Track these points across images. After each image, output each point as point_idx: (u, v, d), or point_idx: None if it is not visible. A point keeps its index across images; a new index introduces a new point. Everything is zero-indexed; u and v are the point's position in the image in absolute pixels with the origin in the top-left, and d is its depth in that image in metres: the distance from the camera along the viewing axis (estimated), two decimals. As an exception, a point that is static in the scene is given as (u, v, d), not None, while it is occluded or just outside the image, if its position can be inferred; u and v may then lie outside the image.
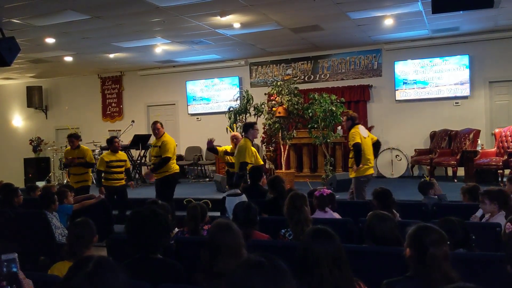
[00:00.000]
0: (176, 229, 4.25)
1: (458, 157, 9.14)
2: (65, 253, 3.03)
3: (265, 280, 1.40)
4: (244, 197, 5.12)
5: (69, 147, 7.56)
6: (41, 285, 2.06)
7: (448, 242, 2.24)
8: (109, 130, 12.28)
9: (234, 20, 8.34)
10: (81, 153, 7.29)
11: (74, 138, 7.36)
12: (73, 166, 7.28)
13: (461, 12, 7.58)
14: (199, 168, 12.31)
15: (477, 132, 9.41)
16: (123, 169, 7.36)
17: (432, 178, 5.96)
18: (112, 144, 7.34)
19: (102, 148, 11.83)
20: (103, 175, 7.20)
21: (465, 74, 10.28)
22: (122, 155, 7.44)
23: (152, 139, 7.47)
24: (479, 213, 4.23)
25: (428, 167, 9.88)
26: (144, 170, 8.47)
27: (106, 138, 11.96)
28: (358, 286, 2.12)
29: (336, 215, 4.57)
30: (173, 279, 2.58)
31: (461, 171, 9.20)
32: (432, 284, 2.07)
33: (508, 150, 8.69)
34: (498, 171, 8.81)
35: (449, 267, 2.11)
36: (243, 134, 6.69)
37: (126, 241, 2.72)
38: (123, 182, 7.35)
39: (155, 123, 6.94)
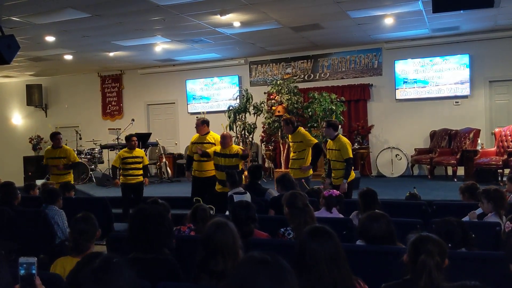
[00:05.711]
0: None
1: (458, 156, 9.14)
2: (69, 248, 3.02)
3: (270, 277, 1.39)
4: (248, 196, 5.14)
5: (49, 147, 7.64)
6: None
7: (450, 244, 2.22)
8: (109, 129, 12.28)
9: (234, 19, 8.33)
10: (63, 153, 7.40)
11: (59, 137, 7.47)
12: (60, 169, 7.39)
13: (461, 11, 7.57)
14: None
15: (477, 132, 9.40)
16: (140, 165, 7.40)
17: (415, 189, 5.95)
18: (129, 142, 7.47)
19: (102, 147, 11.83)
20: (120, 171, 7.39)
21: (465, 74, 10.27)
22: (138, 152, 7.51)
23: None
24: (479, 211, 4.21)
25: (428, 166, 9.88)
26: None
27: (108, 136, 12.07)
28: (357, 285, 2.11)
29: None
30: (167, 275, 2.55)
31: (461, 171, 9.20)
32: None
33: (508, 149, 8.69)
34: (498, 170, 8.82)
35: (441, 278, 2.09)
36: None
37: (128, 240, 2.70)
38: (140, 178, 7.38)
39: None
